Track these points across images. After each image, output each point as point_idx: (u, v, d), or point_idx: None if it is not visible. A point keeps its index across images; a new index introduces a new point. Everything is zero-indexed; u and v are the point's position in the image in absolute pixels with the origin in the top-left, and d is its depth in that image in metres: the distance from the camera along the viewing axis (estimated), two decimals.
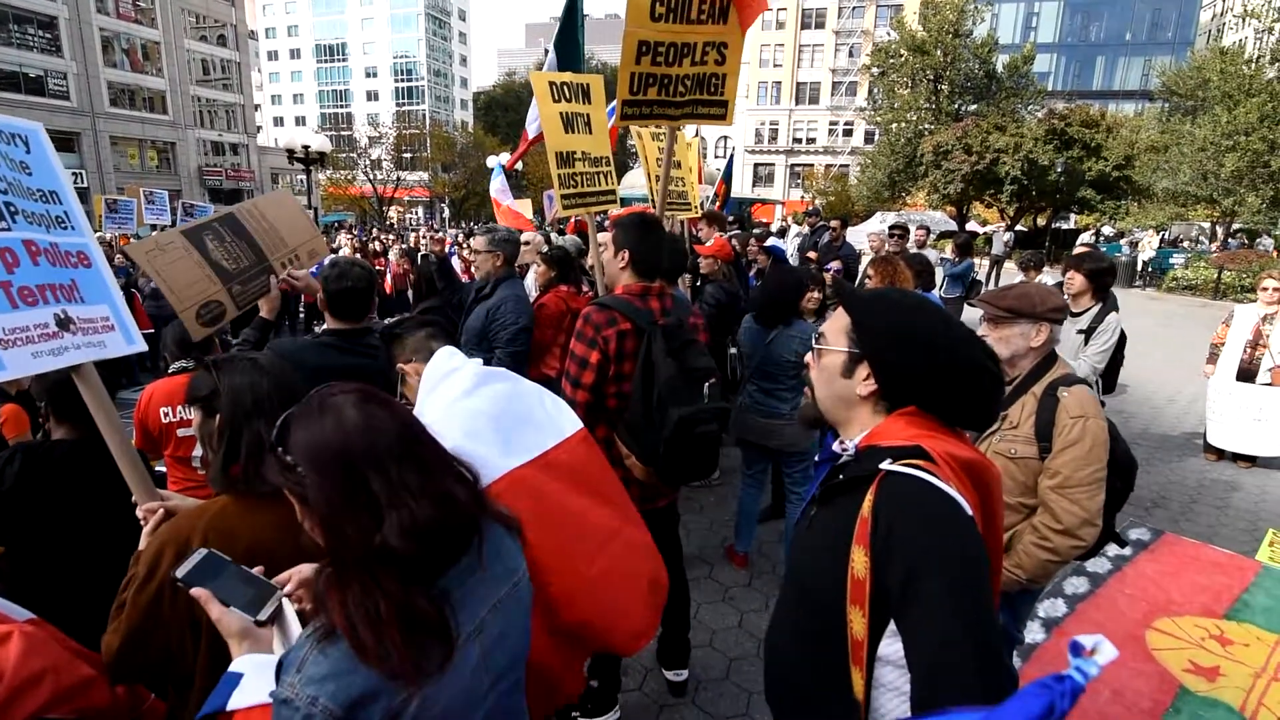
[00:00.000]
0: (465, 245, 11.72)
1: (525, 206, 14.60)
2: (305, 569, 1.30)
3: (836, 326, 1.33)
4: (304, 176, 17.60)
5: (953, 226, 31.45)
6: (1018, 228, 31.75)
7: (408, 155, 45.30)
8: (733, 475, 5.43)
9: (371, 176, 43.64)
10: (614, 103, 3.62)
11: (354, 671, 0.93)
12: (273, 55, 73.74)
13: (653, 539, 1.96)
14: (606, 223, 4.29)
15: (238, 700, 1.06)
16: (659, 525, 2.43)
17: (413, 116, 55.76)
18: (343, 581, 0.97)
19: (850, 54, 52.43)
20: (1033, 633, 3.45)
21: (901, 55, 35.80)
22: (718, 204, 9.12)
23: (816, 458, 1.43)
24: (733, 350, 6.23)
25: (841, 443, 1.30)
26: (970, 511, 1.11)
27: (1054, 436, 2.17)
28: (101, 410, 1.69)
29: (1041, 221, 33.14)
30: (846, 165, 48.86)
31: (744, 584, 4.03)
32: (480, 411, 1.63)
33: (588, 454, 1.92)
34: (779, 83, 55.17)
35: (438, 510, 1.00)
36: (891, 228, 7.06)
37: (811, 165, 51.67)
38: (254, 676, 1.08)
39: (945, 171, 30.88)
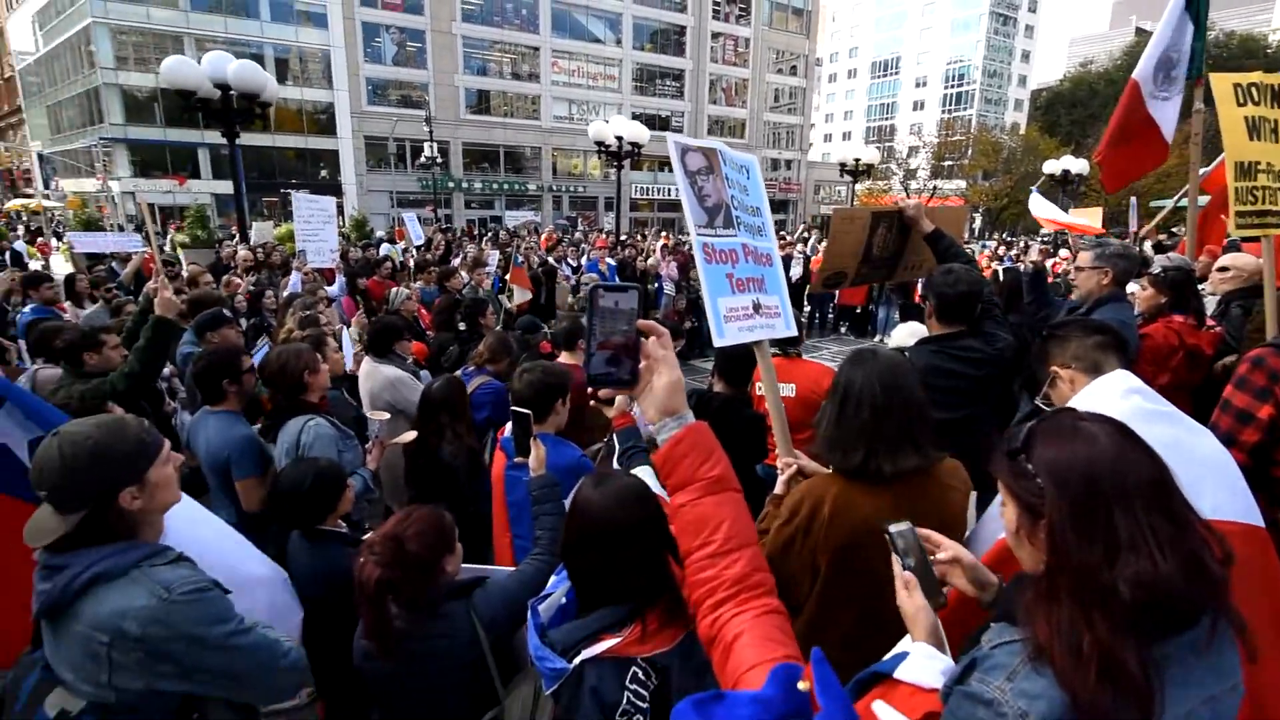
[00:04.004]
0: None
1: (1095, 215, 12.50)
2: (968, 561, 1.36)
3: None
4: (843, 188, 19.00)
5: None
6: None
7: (948, 163, 43.90)
8: None
9: (906, 186, 43.89)
10: None
11: (1060, 698, 0.90)
12: (832, 78, 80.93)
13: None
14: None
15: (904, 673, 1.15)
16: None
17: (958, 122, 53.78)
18: (1052, 597, 0.96)
19: None
20: None
21: None
22: None
23: None
24: None
25: None
26: None
27: None
28: (769, 375, 2.14)
29: None
30: None
31: None
32: None
33: (1257, 551, 1.56)
34: None
35: (1184, 570, 0.91)
36: None
37: None
38: (920, 658, 1.17)
39: None
